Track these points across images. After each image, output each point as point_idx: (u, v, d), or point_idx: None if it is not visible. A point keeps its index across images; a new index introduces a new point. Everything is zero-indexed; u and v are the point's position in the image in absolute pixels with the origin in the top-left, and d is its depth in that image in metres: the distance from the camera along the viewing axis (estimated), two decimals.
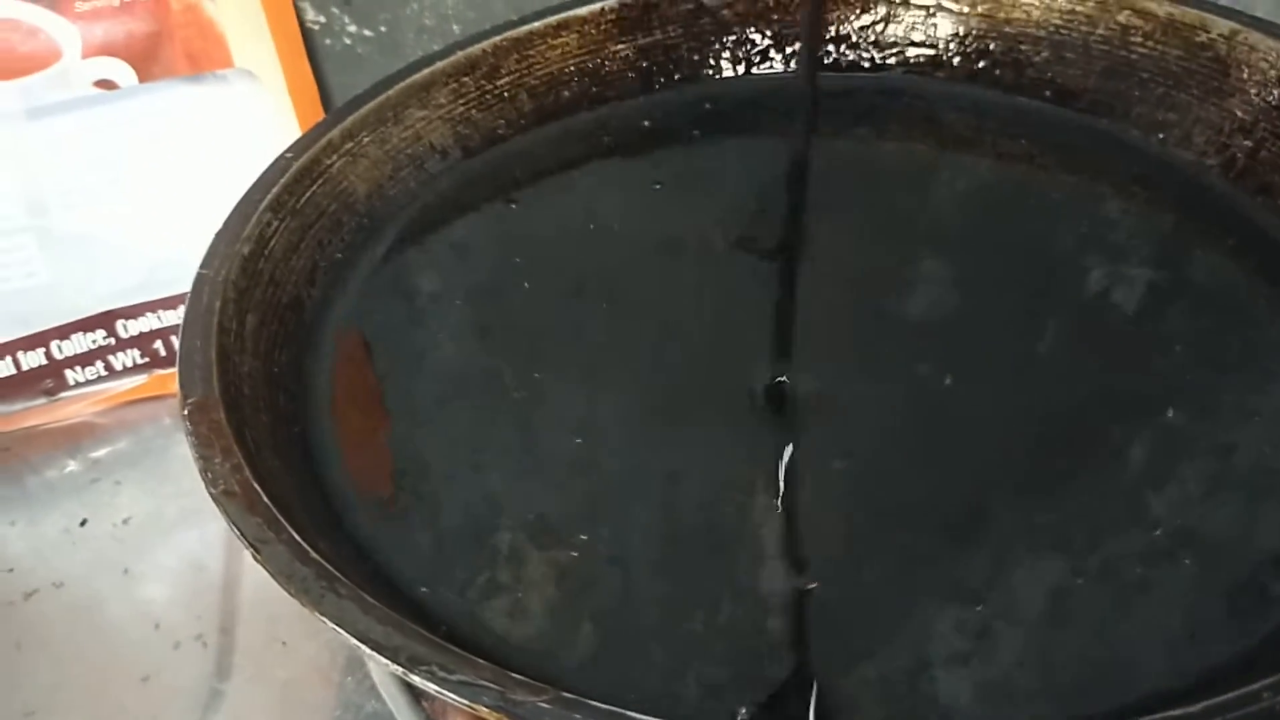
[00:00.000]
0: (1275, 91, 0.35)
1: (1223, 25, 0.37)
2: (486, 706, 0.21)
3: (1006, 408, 0.31)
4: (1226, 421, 0.30)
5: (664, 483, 0.30)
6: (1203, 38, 0.37)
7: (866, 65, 0.42)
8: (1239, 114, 0.36)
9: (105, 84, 0.43)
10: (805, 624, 0.26)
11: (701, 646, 0.26)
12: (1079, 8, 0.39)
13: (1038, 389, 0.31)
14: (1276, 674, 0.20)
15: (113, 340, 0.45)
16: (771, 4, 0.42)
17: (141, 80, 0.43)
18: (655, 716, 0.20)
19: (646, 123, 0.41)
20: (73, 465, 0.44)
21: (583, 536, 0.28)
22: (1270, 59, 0.35)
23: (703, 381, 0.32)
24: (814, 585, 0.26)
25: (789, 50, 0.43)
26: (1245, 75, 0.36)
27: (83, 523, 0.41)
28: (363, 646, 0.22)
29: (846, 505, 0.29)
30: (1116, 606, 0.26)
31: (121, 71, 0.42)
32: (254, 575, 0.24)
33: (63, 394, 0.45)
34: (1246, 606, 0.25)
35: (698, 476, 0.30)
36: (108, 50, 0.42)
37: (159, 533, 0.40)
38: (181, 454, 0.26)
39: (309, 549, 0.24)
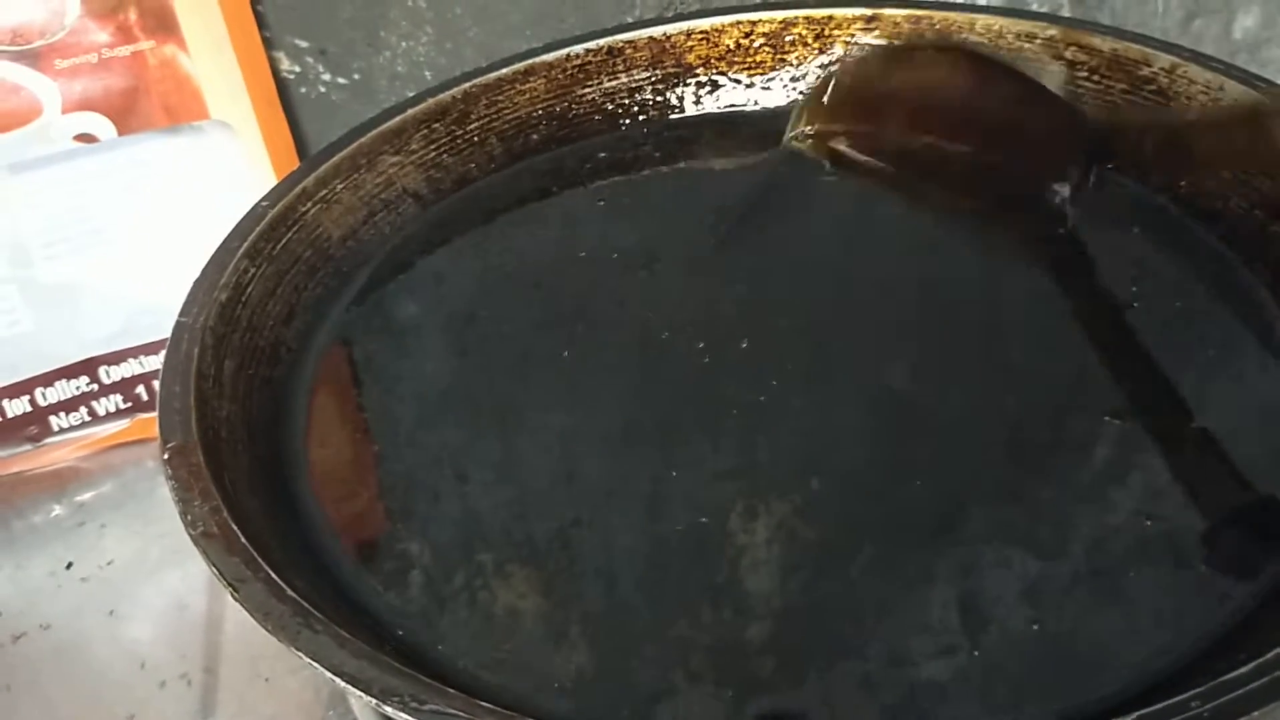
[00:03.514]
0: None
1: (1164, 59, 0.38)
2: None
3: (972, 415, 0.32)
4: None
5: (644, 509, 0.30)
6: (1145, 71, 0.38)
7: None
8: None
9: (85, 138, 0.43)
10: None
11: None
12: (1027, 45, 0.41)
13: (1004, 397, 0.32)
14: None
15: (96, 386, 0.45)
16: (733, 46, 0.44)
17: (120, 133, 0.43)
18: None
19: (606, 154, 0.43)
20: (58, 509, 0.44)
21: (562, 571, 0.29)
22: (1209, 91, 0.37)
23: (678, 397, 0.33)
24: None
25: (749, 88, 0.44)
26: (1186, 106, 0.37)
27: (69, 565, 0.42)
28: (337, 680, 0.23)
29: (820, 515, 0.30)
30: (1088, 601, 0.26)
31: (101, 125, 0.43)
32: (237, 614, 0.25)
33: (47, 440, 0.45)
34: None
35: (678, 490, 0.30)
36: (87, 105, 0.43)
37: (143, 574, 0.41)
38: (164, 496, 0.27)
39: (285, 587, 0.25)
